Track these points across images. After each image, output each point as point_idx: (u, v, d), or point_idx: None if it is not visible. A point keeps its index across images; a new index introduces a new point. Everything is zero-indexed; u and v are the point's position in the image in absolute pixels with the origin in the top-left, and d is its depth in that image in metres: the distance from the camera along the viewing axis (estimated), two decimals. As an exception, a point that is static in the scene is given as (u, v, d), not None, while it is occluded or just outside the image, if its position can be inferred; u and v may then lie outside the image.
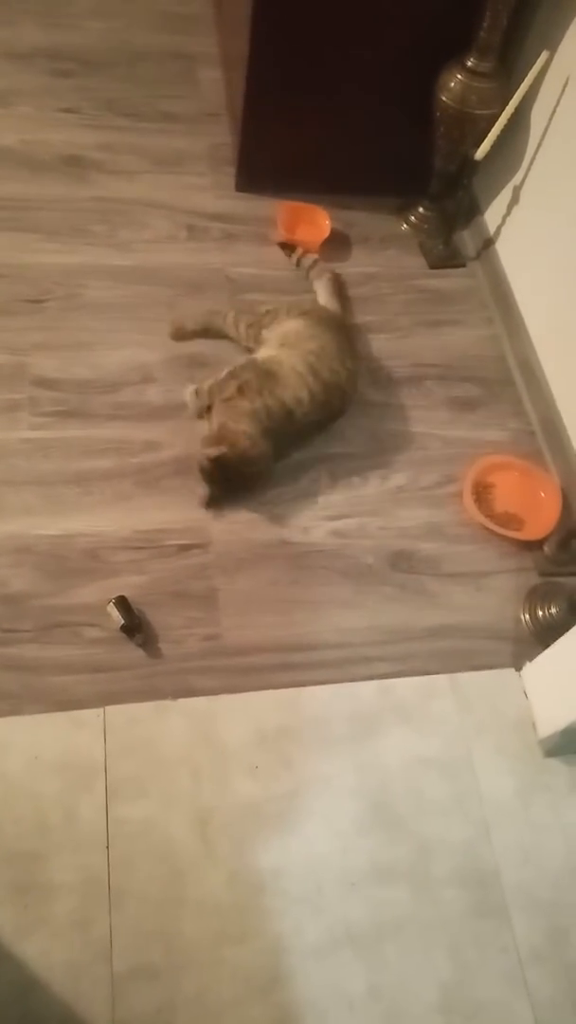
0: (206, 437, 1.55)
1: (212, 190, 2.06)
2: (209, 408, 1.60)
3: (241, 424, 1.51)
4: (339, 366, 1.60)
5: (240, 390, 1.55)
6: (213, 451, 1.50)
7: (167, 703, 1.36)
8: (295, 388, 1.55)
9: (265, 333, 1.68)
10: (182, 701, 1.37)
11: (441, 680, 1.45)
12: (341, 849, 1.30)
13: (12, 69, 2.18)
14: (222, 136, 2.15)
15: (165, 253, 1.92)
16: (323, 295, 1.83)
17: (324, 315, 1.71)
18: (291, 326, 1.65)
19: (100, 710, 1.33)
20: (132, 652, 1.40)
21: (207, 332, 1.76)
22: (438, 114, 1.81)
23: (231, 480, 1.53)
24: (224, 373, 1.60)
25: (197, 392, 1.63)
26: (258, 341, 1.68)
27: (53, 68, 2.21)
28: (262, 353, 1.64)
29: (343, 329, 1.70)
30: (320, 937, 1.23)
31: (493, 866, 1.31)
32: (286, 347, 1.61)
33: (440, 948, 1.25)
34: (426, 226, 2.05)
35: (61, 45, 2.27)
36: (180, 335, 1.76)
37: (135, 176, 2.05)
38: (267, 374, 1.56)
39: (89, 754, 1.29)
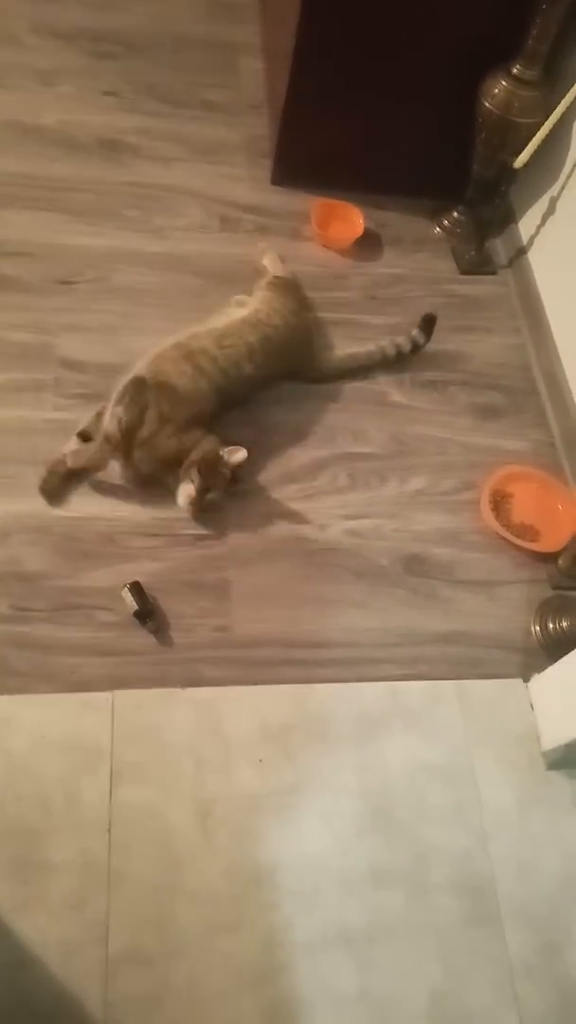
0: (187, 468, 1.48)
1: (247, 182, 2.05)
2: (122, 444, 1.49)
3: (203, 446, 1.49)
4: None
5: (162, 419, 1.48)
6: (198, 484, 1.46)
7: (175, 691, 1.37)
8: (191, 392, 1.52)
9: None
10: (190, 690, 1.37)
11: (448, 686, 1.46)
12: (339, 849, 1.30)
13: (56, 47, 2.18)
14: (260, 128, 2.14)
15: (197, 242, 1.91)
16: (272, 264, 1.82)
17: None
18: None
19: (109, 694, 1.33)
20: (143, 638, 1.41)
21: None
22: (480, 120, 1.81)
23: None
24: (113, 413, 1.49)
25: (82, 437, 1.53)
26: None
27: (96, 49, 2.21)
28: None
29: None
30: (313, 934, 1.23)
31: (489, 876, 1.32)
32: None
33: (432, 954, 1.25)
34: (459, 231, 2.04)
35: (106, 26, 2.26)
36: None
37: (171, 163, 2.05)
38: (167, 389, 1.51)
39: (96, 737, 1.30)
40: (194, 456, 1.48)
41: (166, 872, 1.23)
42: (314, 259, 1.94)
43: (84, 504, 1.51)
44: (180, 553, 1.50)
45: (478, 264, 2.01)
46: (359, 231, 1.96)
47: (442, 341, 1.87)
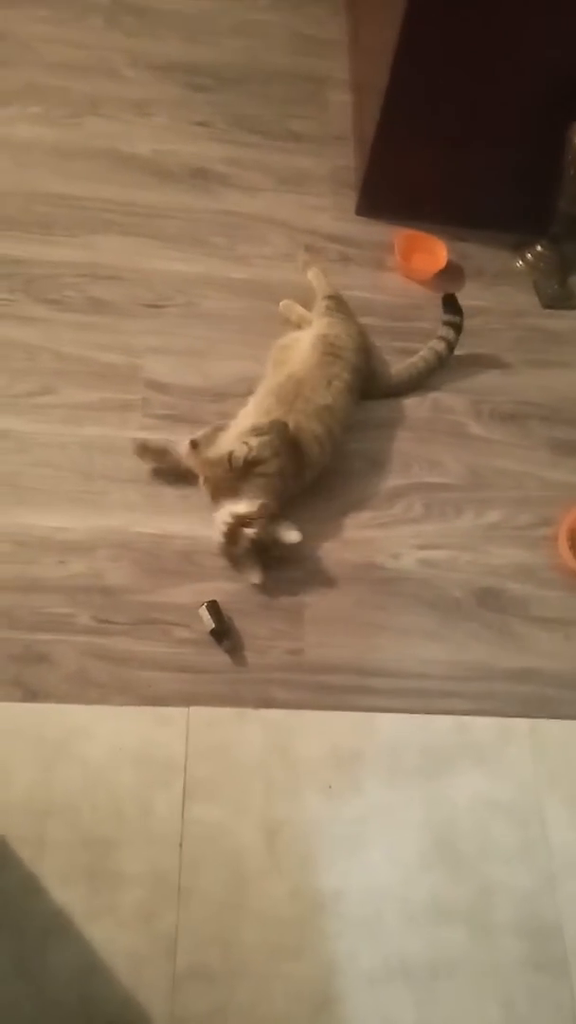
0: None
1: (332, 211, 2.09)
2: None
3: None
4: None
5: (280, 472, 1.51)
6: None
7: (247, 711, 1.39)
8: (316, 450, 1.58)
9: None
10: (262, 711, 1.40)
11: (519, 724, 1.44)
12: (403, 880, 1.30)
13: (151, 80, 2.26)
14: (346, 159, 2.18)
15: (281, 270, 1.95)
16: (316, 279, 1.85)
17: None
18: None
19: (184, 710, 1.37)
20: (218, 656, 1.44)
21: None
22: (569, 157, 1.81)
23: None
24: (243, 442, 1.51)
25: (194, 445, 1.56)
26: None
27: (190, 82, 2.28)
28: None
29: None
30: (375, 964, 1.23)
31: (555, 920, 1.30)
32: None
33: (493, 995, 1.24)
34: (542, 265, 2.04)
35: (199, 60, 2.34)
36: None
37: (258, 192, 2.10)
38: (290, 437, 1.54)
39: (169, 751, 1.33)
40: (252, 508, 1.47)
41: (233, 891, 1.25)
42: (396, 290, 1.96)
43: (165, 522, 1.55)
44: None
45: (561, 299, 2.01)
46: (442, 263, 1.98)
47: (522, 374, 1.87)
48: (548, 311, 2.00)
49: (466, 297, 1.97)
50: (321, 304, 1.77)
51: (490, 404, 1.82)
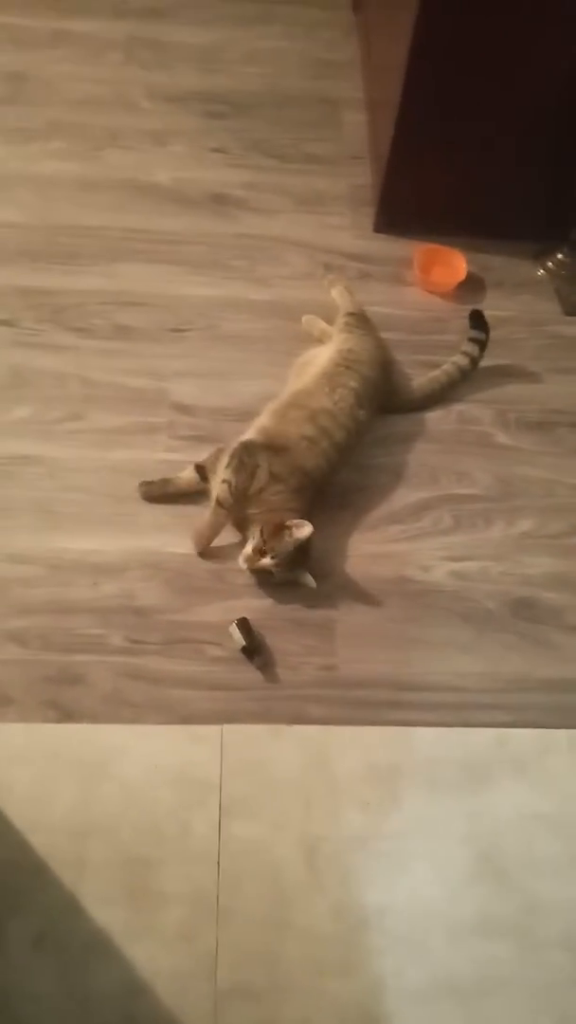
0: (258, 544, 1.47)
1: (350, 230, 2.11)
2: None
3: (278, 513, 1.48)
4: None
5: (274, 477, 1.51)
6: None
7: (281, 728, 1.39)
8: (315, 457, 1.56)
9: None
10: (296, 727, 1.39)
11: (560, 735, 1.42)
12: (448, 896, 1.28)
13: (169, 110, 2.31)
14: (362, 177, 2.20)
15: (302, 290, 1.97)
16: (341, 297, 1.86)
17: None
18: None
19: (219, 727, 1.37)
20: (251, 674, 1.44)
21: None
22: (586, 163, 1.81)
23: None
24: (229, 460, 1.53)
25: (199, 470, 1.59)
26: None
27: (206, 110, 2.33)
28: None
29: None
30: (422, 982, 1.22)
31: (605, 934, 1.27)
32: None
33: (545, 1012, 1.21)
34: (563, 272, 2.04)
35: (215, 88, 2.39)
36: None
37: (276, 214, 2.13)
38: (281, 451, 1.55)
39: (205, 769, 1.33)
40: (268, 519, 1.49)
41: (274, 908, 1.24)
42: (417, 304, 1.97)
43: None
44: (286, 591, 1.53)
45: (583, 305, 2.00)
46: (461, 275, 1.98)
47: (547, 382, 1.87)
48: (571, 318, 1.99)
49: (488, 307, 1.97)
50: (341, 321, 1.78)
51: (516, 413, 1.81)
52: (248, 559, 1.47)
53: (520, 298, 2.02)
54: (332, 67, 2.49)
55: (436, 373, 1.81)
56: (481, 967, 1.23)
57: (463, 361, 1.81)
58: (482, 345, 1.82)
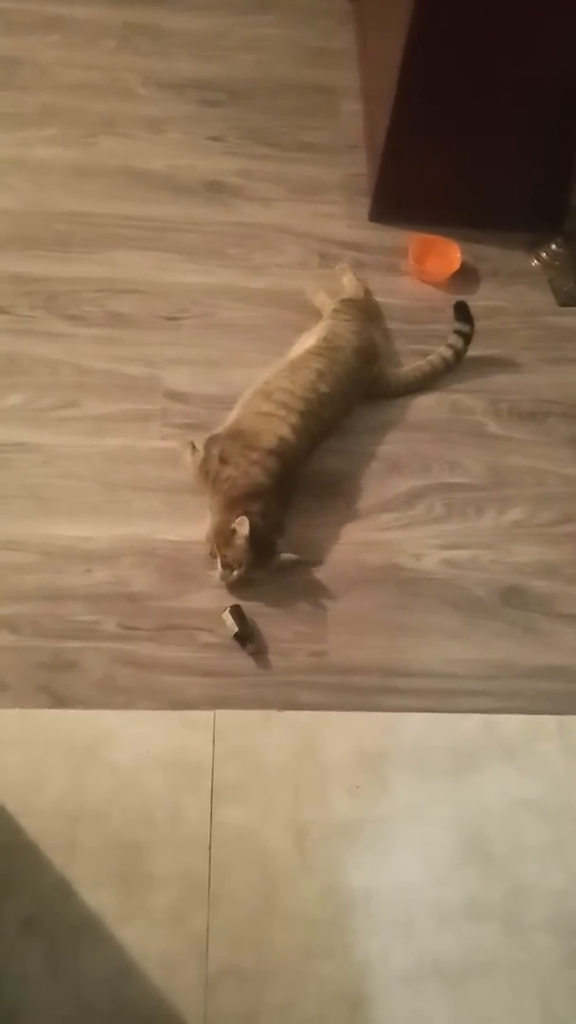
0: (212, 535, 1.50)
1: (345, 219, 2.11)
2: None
3: (236, 510, 1.47)
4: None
5: (222, 460, 1.54)
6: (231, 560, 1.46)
7: (273, 713, 1.40)
8: (273, 430, 1.56)
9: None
10: (287, 713, 1.40)
11: (548, 721, 1.44)
12: (434, 879, 1.29)
13: (165, 97, 2.31)
14: (358, 167, 2.20)
15: (296, 278, 1.97)
16: (350, 283, 1.91)
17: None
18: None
19: (211, 713, 1.38)
20: (243, 660, 1.45)
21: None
22: (580, 154, 1.82)
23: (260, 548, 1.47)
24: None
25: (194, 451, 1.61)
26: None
27: (202, 97, 2.32)
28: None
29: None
30: (407, 964, 1.23)
31: (591, 918, 1.28)
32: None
33: (530, 995, 1.22)
34: (557, 263, 2.04)
35: (211, 76, 2.38)
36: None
37: (272, 203, 2.13)
38: (236, 435, 1.57)
39: (197, 755, 1.34)
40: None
41: (263, 892, 1.25)
42: (411, 293, 1.97)
43: (187, 529, 1.57)
44: (278, 578, 1.54)
45: (576, 296, 2.01)
46: (456, 265, 1.99)
47: (540, 372, 1.87)
48: (564, 308, 1.99)
49: (481, 297, 1.98)
50: (330, 307, 1.79)
51: (508, 403, 1.82)
52: (222, 577, 1.48)
53: (514, 288, 2.02)
54: (328, 56, 2.49)
55: (421, 363, 1.81)
56: (467, 950, 1.24)
57: (447, 353, 1.82)
58: (467, 338, 1.83)
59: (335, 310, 1.78)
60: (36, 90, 2.25)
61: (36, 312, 1.83)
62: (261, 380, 1.66)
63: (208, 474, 1.55)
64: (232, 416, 1.64)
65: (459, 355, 1.82)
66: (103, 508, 1.58)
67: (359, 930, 1.24)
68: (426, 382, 1.81)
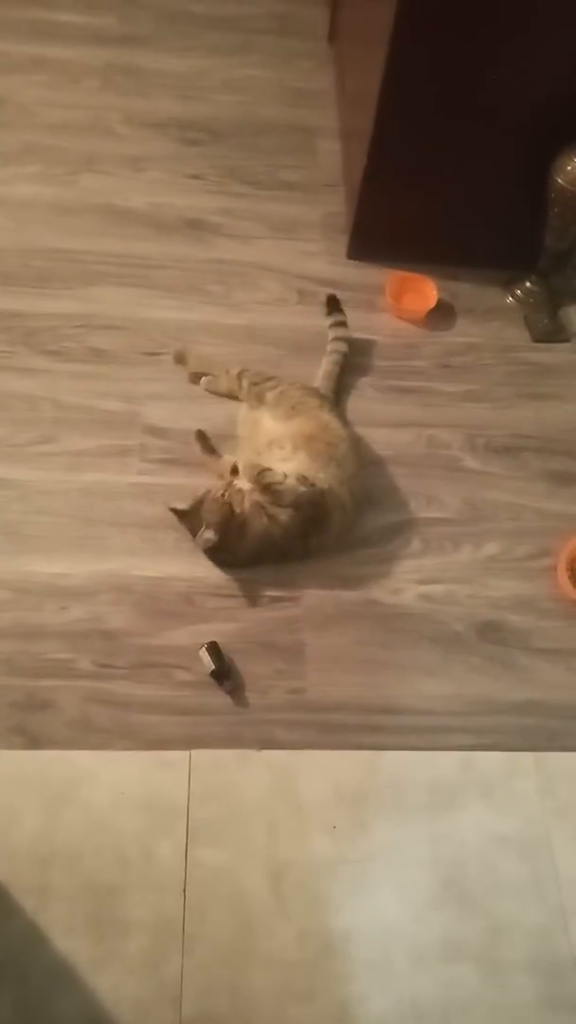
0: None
1: (324, 256, 2.14)
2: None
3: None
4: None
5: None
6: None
7: (250, 752, 1.39)
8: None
9: (270, 396, 1.71)
10: (265, 752, 1.40)
11: (525, 758, 1.44)
12: (412, 920, 1.28)
13: (147, 136, 2.34)
14: (336, 205, 2.24)
15: (275, 315, 2.00)
16: (321, 373, 1.86)
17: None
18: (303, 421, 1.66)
19: (186, 753, 1.37)
20: (219, 698, 1.44)
21: (206, 373, 1.83)
22: (552, 195, 1.85)
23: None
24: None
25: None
26: (260, 400, 1.71)
27: (183, 137, 2.36)
28: (266, 419, 1.68)
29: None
30: (386, 1008, 1.22)
31: (569, 956, 1.28)
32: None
33: (509, 1037, 1.21)
34: (532, 300, 2.08)
35: (192, 116, 2.42)
36: (179, 360, 1.85)
37: (251, 240, 2.15)
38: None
39: (172, 795, 1.33)
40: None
41: (239, 935, 1.24)
42: (388, 330, 2.00)
43: (164, 565, 1.57)
44: (256, 614, 1.54)
45: (551, 332, 2.04)
46: (432, 302, 2.02)
47: (515, 408, 1.90)
48: (539, 345, 2.03)
49: (458, 334, 2.01)
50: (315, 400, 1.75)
51: (484, 438, 1.84)
52: (206, 542, 1.50)
53: (489, 325, 2.06)
54: (308, 96, 2.54)
55: (327, 368, 1.85)
56: (445, 991, 1.23)
57: (343, 347, 1.88)
58: (343, 325, 1.92)
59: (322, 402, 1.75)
60: (19, 128, 2.28)
61: (15, 347, 1.84)
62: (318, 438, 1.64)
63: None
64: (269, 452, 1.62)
65: (350, 345, 1.90)
66: (80, 544, 1.58)
67: (337, 973, 1.23)
68: (341, 381, 1.87)
